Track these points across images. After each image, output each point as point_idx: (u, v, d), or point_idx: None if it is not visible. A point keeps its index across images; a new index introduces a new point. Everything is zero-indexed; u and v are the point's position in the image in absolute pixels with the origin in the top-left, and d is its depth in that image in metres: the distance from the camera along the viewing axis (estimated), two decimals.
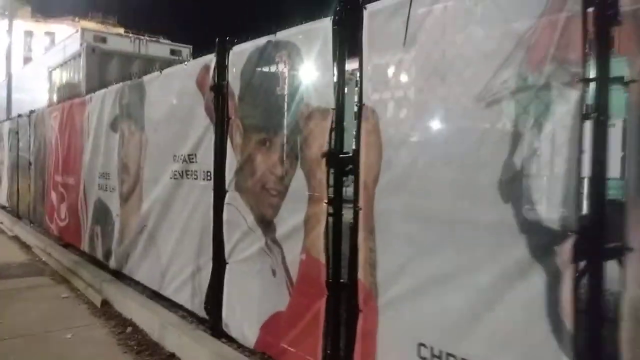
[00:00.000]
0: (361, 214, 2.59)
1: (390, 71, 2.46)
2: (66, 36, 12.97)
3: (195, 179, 3.96)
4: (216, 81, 3.70)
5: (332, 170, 2.79)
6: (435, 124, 2.27)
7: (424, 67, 2.30)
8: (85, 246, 6.20)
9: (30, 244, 7.75)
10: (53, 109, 7.80)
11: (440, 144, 2.25)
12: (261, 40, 3.34)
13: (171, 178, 4.24)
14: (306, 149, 2.95)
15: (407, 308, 2.33)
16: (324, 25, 2.83)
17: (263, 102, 3.31)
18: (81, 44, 8.55)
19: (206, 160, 3.81)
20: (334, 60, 2.77)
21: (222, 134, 3.66)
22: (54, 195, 7.53)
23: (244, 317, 3.43)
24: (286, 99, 3.11)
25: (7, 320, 4.39)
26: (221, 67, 3.69)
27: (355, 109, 2.66)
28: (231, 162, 3.55)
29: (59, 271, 6.15)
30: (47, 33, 50.01)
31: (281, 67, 3.17)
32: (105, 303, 4.82)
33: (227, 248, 3.59)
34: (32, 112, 9.11)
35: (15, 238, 8.52)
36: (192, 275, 3.98)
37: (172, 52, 10.26)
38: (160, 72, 4.51)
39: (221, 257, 3.64)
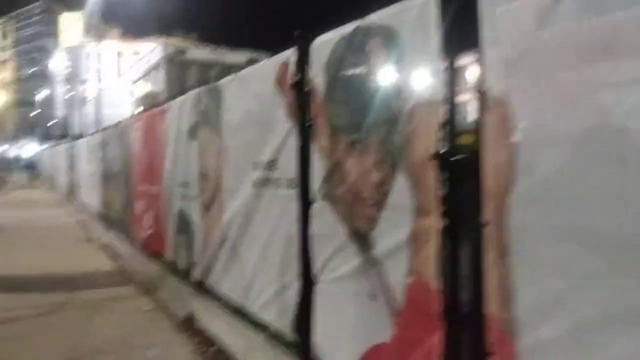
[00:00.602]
0: (488, 230, 2.05)
1: (530, 45, 1.89)
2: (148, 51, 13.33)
3: (277, 187, 3.59)
4: (297, 79, 3.30)
5: (444, 177, 2.27)
6: (602, 113, 1.67)
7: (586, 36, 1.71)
8: (168, 256, 6.09)
9: (118, 252, 7.84)
10: (136, 119, 7.86)
11: (610, 140, 1.65)
12: (348, 28, 2.89)
13: (252, 187, 3.90)
14: (409, 150, 2.45)
15: (563, 357, 1.76)
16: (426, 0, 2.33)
17: (353, 98, 2.85)
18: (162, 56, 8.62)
19: (289, 167, 3.42)
20: (442, 42, 2.25)
21: (306, 137, 3.25)
22: (138, 205, 7.57)
23: (338, 345, 2.99)
24: (381, 93, 2.63)
25: (91, 334, 4.27)
26: (302, 63, 3.27)
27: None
28: (318, 169, 3.12)
29: (143, 282, 6.07)
30: (135, 52, 53.29)
31: (374, 56, 2.70)
32: (188, 318, 4.58)
33: (317, 265, 3.17)
34: (118, 122, 9.32)
35: (105, 246, 8.71)
36: (278, 293, 3.61)
37: (250, 60, 10.13)
38: (236, 74, 4.20)
39: (309, 275, 3.23)
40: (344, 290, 2.95)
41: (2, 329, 4.40)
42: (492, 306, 2.07)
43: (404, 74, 2.48)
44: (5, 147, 68.38)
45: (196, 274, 5.09)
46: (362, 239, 2.78)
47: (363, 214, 2.77)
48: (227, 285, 4.47)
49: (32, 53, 72.63)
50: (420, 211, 2.39)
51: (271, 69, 3.61)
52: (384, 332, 2.63)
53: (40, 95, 64.25)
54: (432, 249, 2.32)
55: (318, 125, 3.12)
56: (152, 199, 6.73)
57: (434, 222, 2.30)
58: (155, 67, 8.02)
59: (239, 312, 4.19)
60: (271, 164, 3.63)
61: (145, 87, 8.67)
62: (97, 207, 11.90)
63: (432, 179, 2.30)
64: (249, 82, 3.99)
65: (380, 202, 2.63)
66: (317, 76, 3.12)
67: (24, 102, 72.14)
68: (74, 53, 67.75)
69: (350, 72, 2.88)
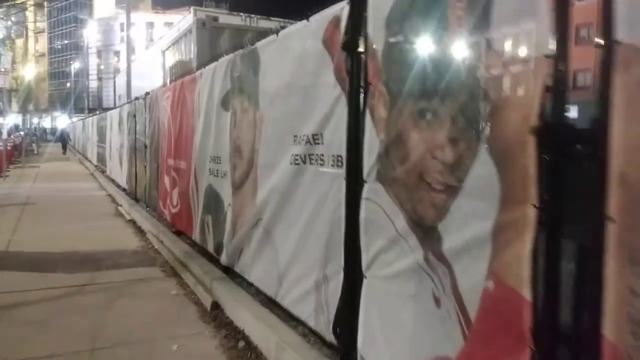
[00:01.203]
0: (613, 228, 1.55)
1: None
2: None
3: (321, 164, 3.12)
4: (349, 38, 2.80)
5: (547, 156, 1.76)
6: None
7: None
8: (196, 236, 5.73)
9: (145, 229, 7.56)
10: (165, 89, 7.47)
11: None
12: None
13: (291, 163, 3.44)
14: (498, 122, 1.95)
15: None
16: None
17: (422, 58, 2.34)
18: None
19: (336, 141, 2.95)
20: None
21: (358, 105, 2.76)
22: (166, 180, 7.23)
23: (389, 353, 2.54)
24: (461, 49, 2.12)
25: (112, 322, 3.94)
26: (357, 17, 2.77)
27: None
28: (371, 143, 2.64)
29: (169, 262, 5.75)
30: (166, 23, 53.18)
31: (451, 4, 2.17)
32: (215, 306, 4.21)
33: (366, 258, 2.71)
34: (147, 94, 8.97)
35: (131, 222, 8.46)
36: (317, 286, 3.17)
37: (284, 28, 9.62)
38: (277, 34, 3.71)
39: (356, 269, 2.77)
40: (398, 290, 2.48)
41: (18, 312, 4.12)
42: (610, 327, 1.58)
43: (495, 22, 1.96)
44: (40, 119, 69.81)
45: (224, 257, 4.70)
46: (425, 230, 2.30)
47: (428, 200, 2.28)
48: (258, 271, 4.06)
49: (66, 25, 73.35)
50: (508, 199, 1.89)
51: (318, 27, 3.11)
52: (448, 346, 2.17)
53: (73, 67, 64.99)
54: (522, 247, 1.83)
55: (375, 92, 2.63)
56: (181, 175, 6.36)
57: (528, 214, 1.80)
58: (185, 34, 7.65)
59: (271, 302, 3.79)
60: (315, 138, 3.16)
61: (175, 56, 8.28)
62: (125, 181, 11.69)
63: (528, 158, 1.80)
64: (291, 43, 3.51)
65: (453, 187, 2.13)
66: (376, 33, 2.62)
67: (57, 74, 73.20)
68: (106, 24, 68.26)
69: (418, 26, 2.37)
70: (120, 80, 34.18)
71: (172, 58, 9.54)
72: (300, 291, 3.37)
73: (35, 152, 30.82)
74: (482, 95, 2.00)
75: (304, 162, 3.30)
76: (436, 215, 2.23)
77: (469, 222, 2.06)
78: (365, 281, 2.73)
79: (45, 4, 74.29)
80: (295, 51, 3.41)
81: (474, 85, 2.04)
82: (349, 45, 2.79)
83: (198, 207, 5.63)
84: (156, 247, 6.52)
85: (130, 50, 16.65)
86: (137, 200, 10.04)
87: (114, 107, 17.36)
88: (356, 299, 2.78)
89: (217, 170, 4.99)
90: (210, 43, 7.56)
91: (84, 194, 12.44)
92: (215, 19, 8.65)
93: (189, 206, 5.97)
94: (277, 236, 3.71)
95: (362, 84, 2.69)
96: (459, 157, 2.11)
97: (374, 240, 2.63)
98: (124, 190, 11.76)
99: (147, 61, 17.77)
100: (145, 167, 9.11)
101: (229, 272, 4.68)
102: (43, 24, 76.01)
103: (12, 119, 50.99)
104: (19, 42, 68.56)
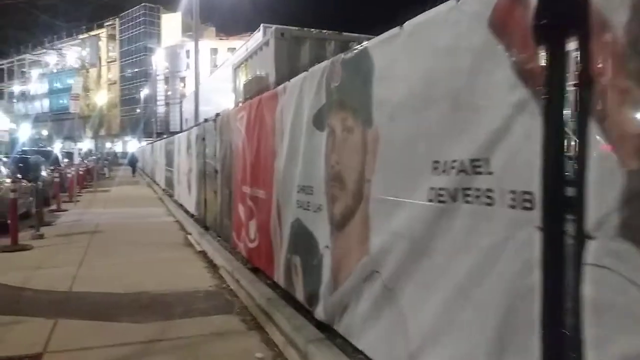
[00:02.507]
0: None
1: None
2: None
3: (487, 204, 2.12)
4: (546, 9, 1.82)
5: None
6: None
7: None
8: (279, 278, 4.84)
9: (217, 264, 6.80)
10: (239, 109, 6.75)
11: None
12: None
13: (430, 200, 2.47)
14: None
15: None
16: None
17: None
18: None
19: (517, 168, 1.96)
20: None
21: (560, 114, 1.77)
22: (241, 209, 6.45)
23: None
24: None
25: None
26: None
27: None
28: (605, 174, 1.62)
29: (249, 308, 4.90)
30: (229, 49, 54.53)
31: None
32: None
33: (589, 355, 1.67)
34: (217, 115, 8.35)
35: (202, 254, 7.76)
36: None
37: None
38: (401, 26, 2.78)
39: None
40: None
41: None
42: None
43: None
44: (112, 143, 73.15)
45: (322, 311, 3.77)
46: None
47: None
48: (372, 339, 3.09)
49: (136, 54, 76.94)
50: None
51: (480, 5, 2.15)
52: None
53: (143, 93, 67.84)
54: None
55: (608, 91, 1.62)
56: (259, 204, 5.53)
57: None
58: (261, 47, 6.97)
59: None
60: (475, 164, 2.17)
61: (248, 72, 7.64)
62: (193, 207, 11.15)
63: None
64: (427, 34, 2.56)
65: None
66: (612, 5, 1.62)
67: (128, 100, 76.67)
68: (173, 52, 70.94)
69: None
70: (187, 105, 34.80)
71: (244, 76, 8.88)
72: None
73: (107, 175, 31.71)
74: None
75: (454, 200, 2.31)
76: None
77: None
78: None
79: (117, 35, 78.58)
80: (437, 44, 2.45)
81: None
82: (547, 24, 1.80)
83: (282, 245, 4.75)
84: (232, 287, 5.71)
85: (199, 73, 16.41)
86: (206, 228, 9.39)
87: (181, 131, 17.18)
88: None
89: (308, 202, 4.09)
90: (290, 55, 6.78)
91: (153, 220, 12.04)
92: (285, 33, 7.87)
93: (270, 242, 5.11)
94: (405, 298, 2.73)
95: (583, 82, 1.69)
96: None
97: (615, 335, 1.60)
98: (192, 216, 11.23)
99: (214, 85, 17.56)
100: (215, 193, 8.44)
101: (326, 328, 3.75)
102: (115, 54, 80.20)
103: (87, 144, 53.42)
104: (93, 71, 72.55)
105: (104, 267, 6.75)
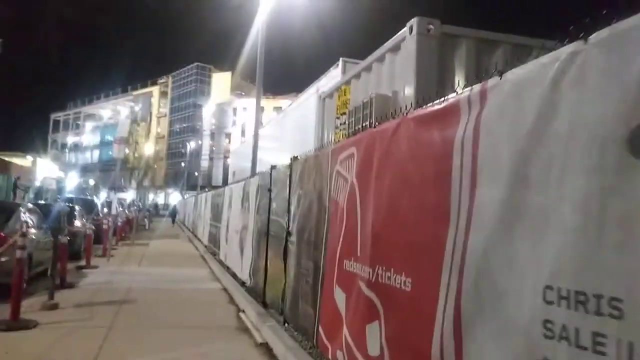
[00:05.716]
0: None
1: None
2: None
3: None
4: None
5: None
6: None
7: None
8: None
9: None
10: (341, 147, 4.63)
11: None
12: None
13: None
14: None
15: None
16: None
17: None
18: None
19: None
20: None
21: None
22: (339, 297, 4.19)
23: None
24: None
25: None
26: None
27: None
28: None
29: None
30: (275, 108, 54.71)
31: None
32: None
33: None
34: (294, 158, 6.30)
35: (265, 348, 5.46)
36: None
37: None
38: None
39: None
40: None
41: None
42: None
43: None
44: (155, 194, 73.17)
45: None
46: None
47: None
48: None
49: (185, 110, 78.41)
50: None
51: None
52: None
53: (189, 147, 68.31)
54: None
55: None
56: (393, 297, 3.25)
57: None
58: (384, 55, 5.22)
59: None
60: None
61: (356, 95, 5.78)
62: (246, 273, 8.96)
63: None
64: None
65: None
66: None
67: (174, 154, 77.37)
68: (220, 109, 71.83)
69: None
70: (233, 160, 33.54)
71: (342, 104, 6.82)
72: None
73: (147, 227, 30.14)
74: None
75: None
76: None
77: None
78: None
79: (169, 93, 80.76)
80: None
81: None
82: None
83: None
84: None
85: (259, 118, 14.82)
86: (265, 304, 7.15)
87: (222, 186, 15.35)
88: None
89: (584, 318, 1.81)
90: (440, 60, 4.63)
91: (195, 286, 9.91)
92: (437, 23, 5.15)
93: None
94: None
95: None
96: None
97: None
98: (242, 284, 9.03)
99: (269, 134, 15.89)
100: (285, 261, 6.24)
101: None
102: (165, 110, 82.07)
103: (131, 194, 53.00)
104: (143, 125, 73.90)
105: None
